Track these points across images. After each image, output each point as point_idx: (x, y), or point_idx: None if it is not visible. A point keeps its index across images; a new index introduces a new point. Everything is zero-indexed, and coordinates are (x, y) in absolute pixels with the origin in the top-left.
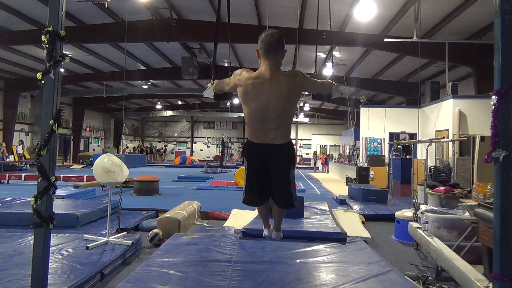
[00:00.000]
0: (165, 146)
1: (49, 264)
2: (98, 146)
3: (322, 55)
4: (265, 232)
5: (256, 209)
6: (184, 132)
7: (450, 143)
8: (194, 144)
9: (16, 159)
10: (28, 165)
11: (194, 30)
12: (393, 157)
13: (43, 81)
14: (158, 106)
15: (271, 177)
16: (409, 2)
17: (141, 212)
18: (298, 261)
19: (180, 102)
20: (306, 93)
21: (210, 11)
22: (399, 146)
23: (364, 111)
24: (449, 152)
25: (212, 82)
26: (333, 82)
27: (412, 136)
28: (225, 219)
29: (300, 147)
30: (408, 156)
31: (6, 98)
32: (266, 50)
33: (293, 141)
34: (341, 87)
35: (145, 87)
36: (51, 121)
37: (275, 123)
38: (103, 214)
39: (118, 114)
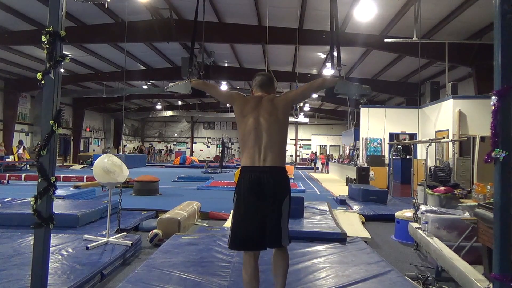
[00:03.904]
0: (170, 146)
1: (49, 264)
2: (98, 146)
3: (322, 55)
4: None
5: (243, 270)
6: (184, 132)
7: (450, 144)
8: (194, 144)
9: (16, 160)
10: (28, 165)
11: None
12: (393, 157)
13: (43, 81)
14: (158, 106)
15: (263, 211)
16: (409, 2)
17: (141, 212)
18: (298, 261)
19: (180, 102)
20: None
21: (210, 11)
22: (399, 146)
23: (364, 111)
24: (449, 152)
25: (189, 79)
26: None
27: (412, 136)
28: (225, 219)
29: (300, 147)
30: (408, 157)
31: (6, 98)
32: (259, 85)
33: (293, 142)
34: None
35: (145, 87)
36: (51, 121)
37: (268, 142)
38: (103, 214)
39: (118, 114)
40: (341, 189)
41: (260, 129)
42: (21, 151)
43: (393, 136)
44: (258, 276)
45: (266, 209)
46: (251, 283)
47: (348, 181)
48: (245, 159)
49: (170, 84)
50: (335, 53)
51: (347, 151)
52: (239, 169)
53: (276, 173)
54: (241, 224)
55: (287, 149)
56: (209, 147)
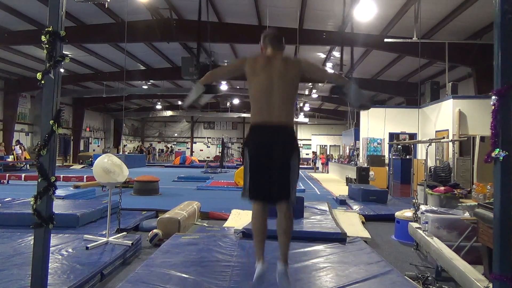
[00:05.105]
0: (171, 146)
1: (49, 264)
2: (98, 146)
3: (322, 55)
4: (259, 269)
5: (252, 231)
6: (184, 132)
7: (450, 143)
8: (194, 144)
9: (15, 160)
10: (28, 165)
11: (194, 30)
12: (393, 157)
13: (43, 81)
14: (158, 106)
15: (273, 167)
16: (409, 2)
17: (141, 212)
18: (298, 261)
19: (180, 102)
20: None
21: (210, 11)
22: (399, 146)
23: (364, 111)
24: (449, 152)
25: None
26: (345, 77)
27: (412, 136)
28: (225, 219)
29: (300, 147)
30: (408, 156)
31: (6, 98)
32: (269, 42)
33: None
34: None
35: (145, 87)
36: (51, 121)
37: (278, 99)
38: (103, 214)
39: (118, 114)
40: (341, 189)
41: (271, 86)
42: (19, 151)
43: (393, 136)
44: (266, 226)
45: (276, 164)
46: (260, 231)
47: (348, 181)
48: (256, 116)
49: (184, 101)
50: (336, 53)
51: (347, 151)
52: (248, 132)
53: (285, 129)
54: (253, 178)
55: None
56: (209, 147)
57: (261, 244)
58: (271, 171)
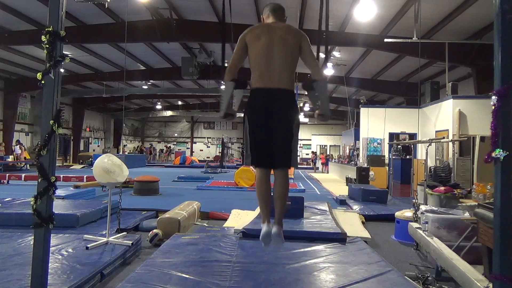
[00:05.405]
0: (170, 146)
1: (49, 264)
2: (98, 146)
3: (322, 55)
4: (264, 229)
5: (257, 195)
6: (184, 132)
7: (450, 143)
8: (194, 144)
9: (15, 160)
10: (28, 165)
11: (194, 30)
12: (393, 157)
13: (43, 81)
14: (158, 106)
15: (273, 131)
16: (409, 2)
17: (141, 212)
18: (298, 261)
19: (180, 102)
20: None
21: (210, 11)
22: (399, 146)
23: (364, 111)
24: (449, 152)
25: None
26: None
27: (412, 136)
28: (225, 219)
29: (300, 147)
30: (408, 156)
31: (6, 98)
32: (272, 10)
33: None
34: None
35: (145, 87)
36: (51, 121)
37: (278, 63)
38: (103, 214)
39: (118, 114)
40: (341, 189)
41: (272, 50)
42: (19, 151)
43: (393, 136)
44: (270, 190)
45: (276, 129)
46: (263, 195)
47: (348, 181)
48: (257, 80)
49: (220, 110)
50: (336, 53)
51: (347, 151)
52: (248, 97)
53: (286, 94)
54: (254, 143)
55: None
56: (209, 147)
57: (266, 207)
58: (271, 135)
